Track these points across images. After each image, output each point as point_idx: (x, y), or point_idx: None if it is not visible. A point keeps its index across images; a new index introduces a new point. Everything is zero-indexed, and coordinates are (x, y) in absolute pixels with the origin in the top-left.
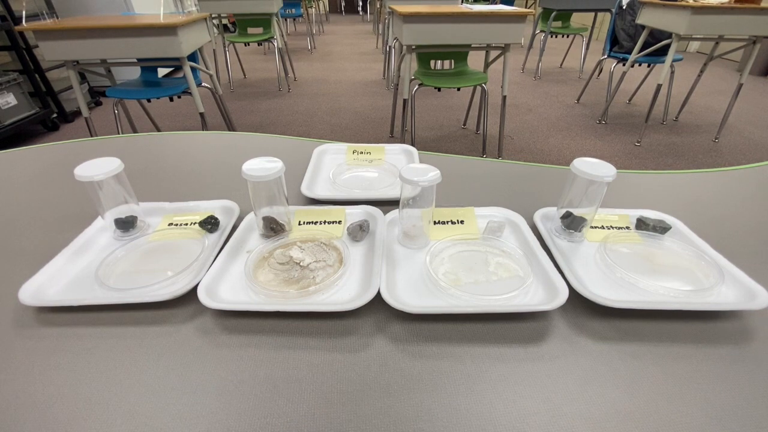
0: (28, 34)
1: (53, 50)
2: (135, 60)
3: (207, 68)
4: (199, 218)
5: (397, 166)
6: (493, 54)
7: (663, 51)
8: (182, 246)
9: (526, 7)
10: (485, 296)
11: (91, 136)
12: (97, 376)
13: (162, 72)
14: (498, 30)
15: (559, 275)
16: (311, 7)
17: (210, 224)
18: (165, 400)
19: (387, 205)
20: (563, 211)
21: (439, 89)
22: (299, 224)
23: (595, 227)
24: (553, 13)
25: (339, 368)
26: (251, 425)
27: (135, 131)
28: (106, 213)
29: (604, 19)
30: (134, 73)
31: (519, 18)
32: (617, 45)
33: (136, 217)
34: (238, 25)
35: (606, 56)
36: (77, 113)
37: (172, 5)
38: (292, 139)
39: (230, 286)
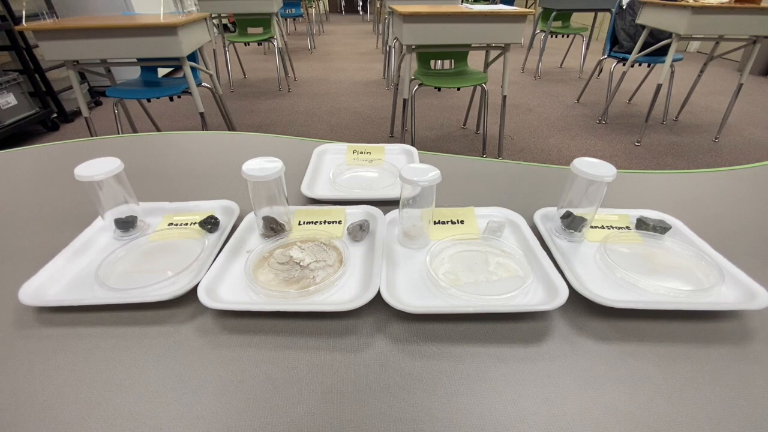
0: (28, 34)
1: (53, 50)
2: (135, 60)
3: (207, 68)
4: (199, 218)
5: (397, 166)
6: (493, 54)
7: (663, 51)
8: (182, 246)
9: (526, 7)
10: (485, 296)
11: (91, 136)
12: (97, 376)
13: (162, 72)
14: (498, 30)
15: (559, 275)
16: (311, 7)
17: (210, 224)
18: (165, 400)
19: (387, 205)
20: (563, 211)
21: (439, 89)
22: (299, 224)
23: (595, 227)
24: (553, 13)
25: (339, 368)
26: (251, 425)
27: (135, 131)
28: (106, 213)
29: (604, 19)
30: (134, 73)
31: (519, 18)
32: (617, 45)
33: (136, 217)
34: (238, 25)
35: (606, 56)
36: (77, 113)
37: (172, 5)
38: (292, 139)
39: (230, 286)
